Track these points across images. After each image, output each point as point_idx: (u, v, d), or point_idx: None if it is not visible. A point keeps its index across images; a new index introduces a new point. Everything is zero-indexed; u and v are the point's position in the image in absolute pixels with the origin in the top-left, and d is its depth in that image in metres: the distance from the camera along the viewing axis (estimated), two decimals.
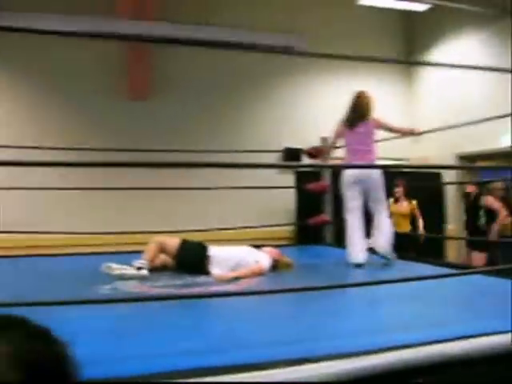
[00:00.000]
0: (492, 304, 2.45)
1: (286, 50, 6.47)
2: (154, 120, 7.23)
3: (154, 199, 6.60)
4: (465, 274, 2.83)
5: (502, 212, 6.09)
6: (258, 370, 1.52)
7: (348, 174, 4.20)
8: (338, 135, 4.38)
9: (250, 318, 2.33)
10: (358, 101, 4.35)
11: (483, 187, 6.36)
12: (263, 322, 2.25)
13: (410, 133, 4.52)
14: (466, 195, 6.56)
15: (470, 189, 6.44)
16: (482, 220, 6.27)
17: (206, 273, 3.71)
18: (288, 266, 3.97)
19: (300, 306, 2.55)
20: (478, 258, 6.13)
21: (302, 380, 1.50)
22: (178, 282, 3.40)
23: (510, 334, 1.78)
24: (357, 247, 4.12)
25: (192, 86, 7.48)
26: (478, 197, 6.35)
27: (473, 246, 6.38)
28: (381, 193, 4.23)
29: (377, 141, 4.40)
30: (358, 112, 4.31)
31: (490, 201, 6.19)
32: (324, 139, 5.31)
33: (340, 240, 5.37)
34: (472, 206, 6.44)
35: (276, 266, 3.89)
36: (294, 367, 1.54)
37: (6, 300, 1.65)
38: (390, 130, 4.47)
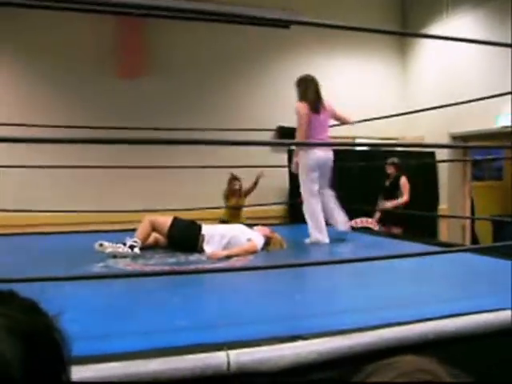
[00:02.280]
0: (482, 282, 2.47)
1: (278, 22, 6.38)
2: (146, 98, 7.16)
3: (147, 178, 6.57)
4: (451, 251, 2.83)
5: (405, 197, 6.28)
6: (249, 346, 1.52)
7: (312, 159, 4.26)
8: (309, 120, 4.34)
9: (242, 295, 2.33)
10: (317, 85, 4.42)
11: (402, 168, 6.41)
12: (256, 300, 2.26)
13: (347, 121, 4.66)
14: (387, 176, 6.57)
15: (390, 170, 6.46)
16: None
17: (199, 251, 3.71)
18: (280, 244, 3.97)
19: (292, 283, 2.55)
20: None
21: (295, 357, 1.50)
22: (171, 259, 3.40)
23: (501, 311, 1.79)
24: (324, 230, 4.22)
25: (185, 63, 7.39)
26: (397, 177, 6.38)
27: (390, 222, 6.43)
28: (329, 177, 4.47)
29: (372, 119, 4.42)
30: (320, 97, 4.38)
31: (403, 181, 6.34)
32: None
33: None
34: (390, 186, 6.50)
35: (268, 244, 3.89)
36: (287, 344, 1.54)
37: None
38: (336, 116, 4.57)
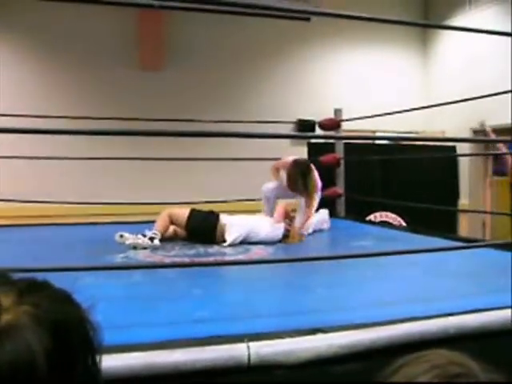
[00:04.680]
0: (503, 277, 2.44)
1: (300, 13, 6.34)
2: (167, 90, 7.19)
3: (167, 170, 6.62)
4: (471, 247, 2.80)
5: None
6: (270, 339, 1.52)
7: None
8: None
9: (262, 287, 2.34)
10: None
11: None
12: (275, 292, 2.26)
13: None
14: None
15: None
16: None
17: (218, 241, 3.73)
18: (299, 237, 3.97)
19: (311, 276, 2.55)
20: None
21: (315, 350, 1.50)
22: (191, 251, 3.42)
23: None
24: None
25: (205, 56, 7.40)
26: None
27: None
28: None
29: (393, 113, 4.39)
30: None
31: None
32: (338, 111, 5.27)
33: (351, 213, 5.38)
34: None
35: (287, 237, 3.89)
36: (307, 337, 1.54)
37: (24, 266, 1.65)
38: None
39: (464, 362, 0.64)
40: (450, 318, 1.67)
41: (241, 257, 3.24)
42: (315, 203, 4.44)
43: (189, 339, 1.50)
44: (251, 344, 1.47)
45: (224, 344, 1.46)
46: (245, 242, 3.73)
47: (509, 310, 1.77)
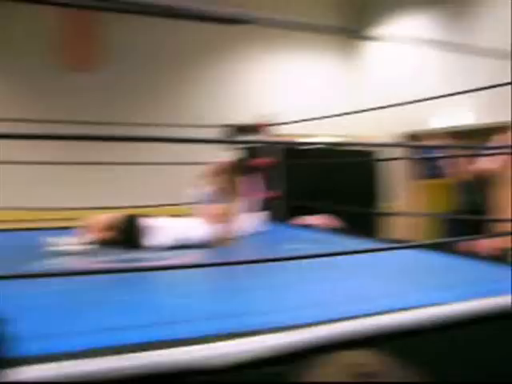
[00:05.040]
0: (430, 277, 2.54)
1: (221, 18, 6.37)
2: (99, 92, 7.04)
3: (94, 174, 6.47)
4: (405, 247, 2.88)
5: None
6: (199, 343, 1.50)
7: None
8: None
9: (188, 292, 2.31)
10: None
11: None
12: (202, 297, 2.24)
13: None
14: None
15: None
16: None
17: (145, 246, 3.65)
18: (230, 239, 3.93)
19: (240, 279, 2.55)
20: None
21: (234, 354, 1.50)
22: (119, 256, 3.34)
23: (448, 305, 1.84)
24: None
25: (139, 58, 7.33)
26: None
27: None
28: None
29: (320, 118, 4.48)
30: None
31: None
32: (266, 115, 5.33)
33: (288, 216, 5.43)
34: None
35: (218, 239, 3.84)
36: (227, 341, 1.53)
37: None
38: None
39: (371, 361, 0.66)
40: (379, 317, 1.70)
41: (171, 261, 3.19)
42: (246, 206, 4.45)
43: (111, 347, 1.45)
44: (175, 350, 1.45)
45: (145, 351, 1.43)
46: (175, 245, 3.66)
47: (433, 308, 1.83)
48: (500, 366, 1.88)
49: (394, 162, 7.75)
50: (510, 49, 4.47)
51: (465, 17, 7.11)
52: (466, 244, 6.06)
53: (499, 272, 2.66)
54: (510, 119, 6.26)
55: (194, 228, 3.82)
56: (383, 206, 7.76)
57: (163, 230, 3.72)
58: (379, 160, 7.63)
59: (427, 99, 3.79)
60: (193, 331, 1.59)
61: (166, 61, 7.54)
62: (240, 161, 5.38)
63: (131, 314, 1.87)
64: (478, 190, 6.11)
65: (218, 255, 3.55)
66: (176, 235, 3.72)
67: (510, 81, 3.08)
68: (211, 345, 1.50)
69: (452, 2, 7.27)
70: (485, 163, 6.17)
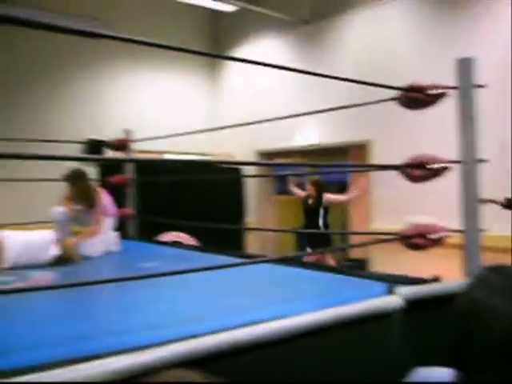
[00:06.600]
0: (282, 290, 2.62)
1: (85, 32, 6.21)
2: None
3: None
4: (254, 262, 2.97)
5: (349, 196, 6.68)
6: (37, 371, 1.43)
7: None
8: None
9: (33, 318, 2.19)
10: None
11: (322, 186, 6.68)
12: (43, 322, 2.14)
13: None
14: (306, 197, 6.76)
15: (311, 190, 6.63)
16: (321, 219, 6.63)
17: None
18: (77, 255, 3.77)
19: (80, 302, 2.47)
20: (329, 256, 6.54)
21: (86, 377, 1.45)
22: None
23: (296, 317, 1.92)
24: None
25: None
26: (318, 196, 6.63)
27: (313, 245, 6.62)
28: None
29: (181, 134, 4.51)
30: None
31: (327, 197, 6.61)
32: (127, 131, 5.24)
33: (143, 234, 5.35)
34: (311, 207, 6.71)
35: (66, 257, 3.66)
36: (72, 367, 1.48)
37: None
38: None
39: (192, 379, 0.68)
40: (221, 334, 1.73)
41: (17, 285, 3.00)
42: (106, 223, 4.33)
43: None
44: (25, 377, 1.37)
45: None
46: (25, 264, 3.43)
47: (283, 321, 1.89)
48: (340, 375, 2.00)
49: (250, 178, 7.98)
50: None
51: (319, 40, 7.57)
52: (316, 257, 6.41)
53: (344, 282, 2.83)
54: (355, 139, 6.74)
55: (45, 244, 3.61)
56: (246, 221, 7.95)
57: (10, 247, 3.45)
58: (236, 177, 7.81)
59: (275, 119, 3.94)
60: (42, 357, 1.52)
61: (27, 73, 7.16)
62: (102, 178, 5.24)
63: None
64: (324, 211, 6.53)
65: (71, 275, 3.40)
66: (25, 252, 3.48)
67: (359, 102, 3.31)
68: (64, 369, 1.44)
69: (306, 27, 7.71)
70: (336, 197, 6.65)
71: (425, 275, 2.58)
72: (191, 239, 6.58)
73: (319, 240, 6.33)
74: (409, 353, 2.13)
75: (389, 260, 5.00)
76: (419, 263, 3.72)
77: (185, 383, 0.67)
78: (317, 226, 6.54)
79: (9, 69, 7.08)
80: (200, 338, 1.68)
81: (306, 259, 6.35)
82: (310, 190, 6.60)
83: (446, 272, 2.59)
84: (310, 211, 6.61)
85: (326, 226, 6.60)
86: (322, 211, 6.54)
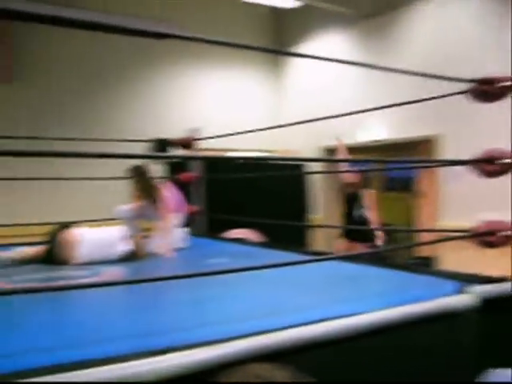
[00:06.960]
0: (349, 288, 2.61)
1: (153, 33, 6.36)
2: (16, 105, 6.81)
3: (26, 190, 6.31)
4: (326, 259, 2.97)
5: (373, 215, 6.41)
6: (118, 362, 1.49)
7: None
8: None
9: (106, 311, 2.29)
10: None
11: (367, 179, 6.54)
12: (119, 315, 2.23)
13: None
14: (349, 185, 6.58)
15: (353, 178, 6.44)
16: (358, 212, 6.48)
17: (67, 261, 3.56)
18: (145, 252, 3.89)
19: (164, 295, 2.55)
20: (361, 248, 6.28)
21: (165, 369, 1.51)
22: (41, 275, 3.23)
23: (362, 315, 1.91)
24: None
25: (58, 70, 7.15)
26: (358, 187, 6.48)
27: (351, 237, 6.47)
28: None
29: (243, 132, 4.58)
30: None
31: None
32: (192, 130, 5.34)
33: (212, 231, 5.45)
34: (352, 197, 6.58)
35: (136, 254, 3.79)
36: (155, 358, 1.53)
37: None
38: None
39: (267, 374, 0.69)
40: (290, 331, 1.75)
41: (91, 279, 3.13)
42: (175, 221, 4.43)
43: (29, 369, 1.43)
44: (111, 367, 1.44)
45: (79, 370, 1.42)
46: (95, 260, 3.57)
47: (352, 318, 1.89)
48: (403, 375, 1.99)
49: (315, 175, 7.95)
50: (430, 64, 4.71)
51: (384, 33, 7.44)
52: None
53: (413, 280, 2.79)
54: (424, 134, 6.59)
55: (115, 241, 3.74)
56: (311, 218, 7.93)
57: (84, 244, 3.62)
58: (303, 173, 7.80)
59: (341, 115, 3.92)
60: (119, 349, 1.58)
61: (90, 74, 7.41)
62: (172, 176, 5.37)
63: (53, 334, 1.84)
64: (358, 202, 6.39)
65: (141, 270, 3.51)
66: (97, 249, 3.63)
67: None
68: (140, 361, 1.50)
69: (369, 21, 7.60)
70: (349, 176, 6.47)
71: (494, 274, 2.52)
72: (257, 236, 6.62)
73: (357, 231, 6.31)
74: (482, 353, 2.09)
75: (458, 259, 4.87)
76: (487, 261, 3.61)
77: (268, 383, 0.68)
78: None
79: (80, 68, 7.33)
80: (273, 332, 1.70)
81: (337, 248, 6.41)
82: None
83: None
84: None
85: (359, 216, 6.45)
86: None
